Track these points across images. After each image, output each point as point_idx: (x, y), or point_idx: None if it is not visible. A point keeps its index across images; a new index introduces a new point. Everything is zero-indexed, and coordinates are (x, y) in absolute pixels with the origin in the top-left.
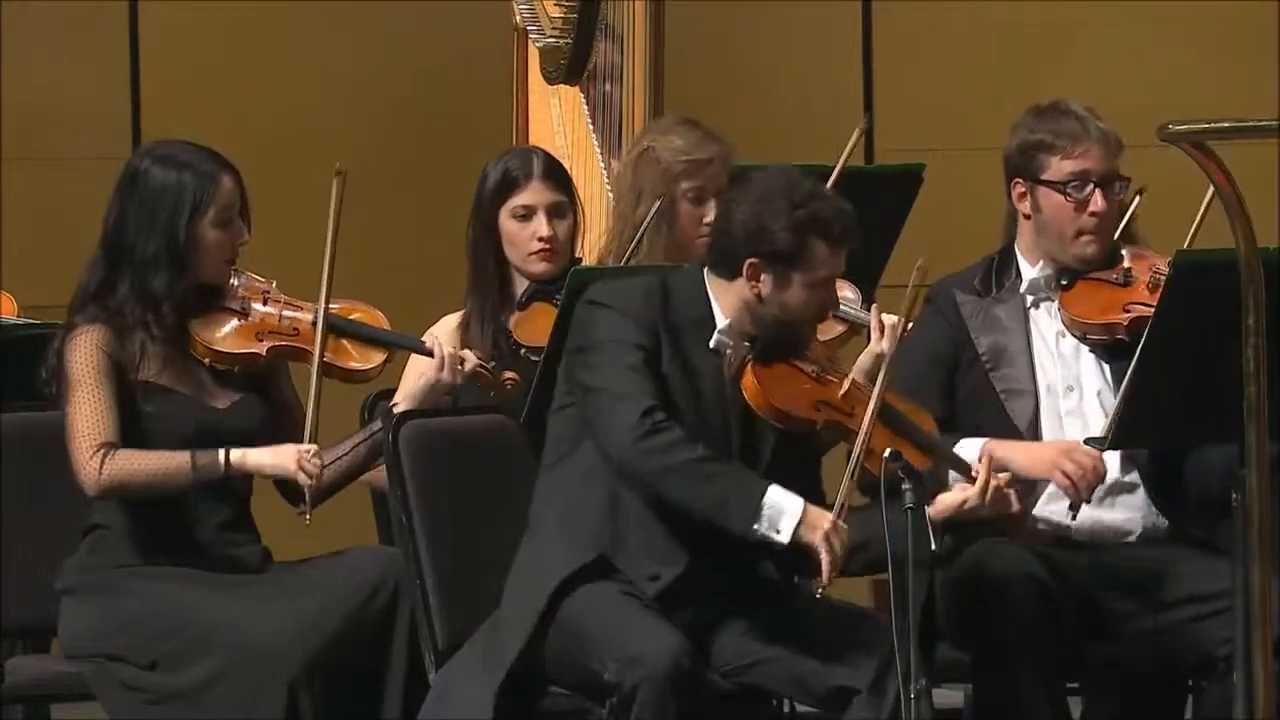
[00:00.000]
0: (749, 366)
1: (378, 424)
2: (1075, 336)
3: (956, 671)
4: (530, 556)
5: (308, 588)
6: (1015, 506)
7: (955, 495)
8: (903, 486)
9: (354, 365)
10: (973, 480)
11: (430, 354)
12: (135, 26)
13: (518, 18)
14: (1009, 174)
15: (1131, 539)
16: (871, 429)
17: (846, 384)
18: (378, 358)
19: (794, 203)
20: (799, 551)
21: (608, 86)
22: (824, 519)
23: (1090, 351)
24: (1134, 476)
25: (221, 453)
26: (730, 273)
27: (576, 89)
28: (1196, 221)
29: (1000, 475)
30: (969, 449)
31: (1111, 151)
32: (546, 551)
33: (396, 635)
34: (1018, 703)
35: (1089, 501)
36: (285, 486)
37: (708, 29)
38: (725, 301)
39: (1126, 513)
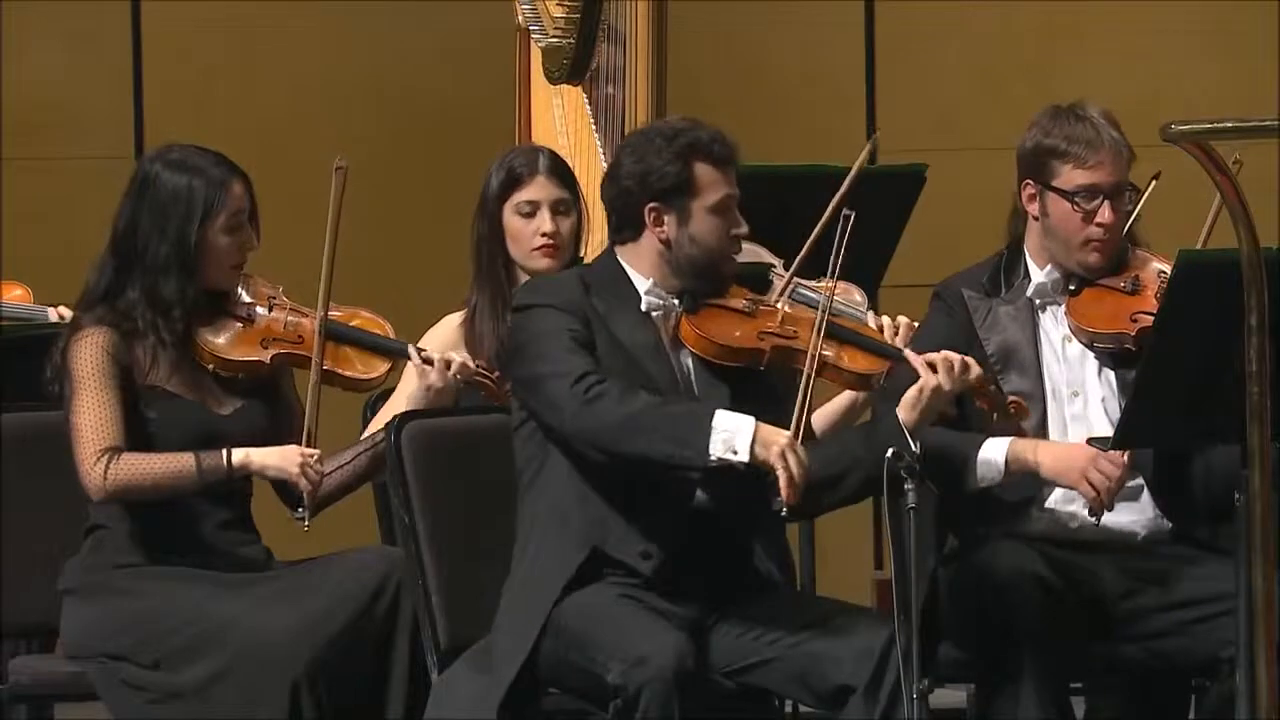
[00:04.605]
0: (684, 320)
1: (380, 434)
2: (1082, 343)
3: (959, 671)
4: (523, 570)
5: (310, 588)
6: (974, 373)
7: (911, 390)
8: (905, 486)
9: (354, 374)
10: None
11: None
12: (138, 26)
13: (520, 17)
14: (1020, 174)
15: (1136, 540)
16: (819, 345)
17: (780, 310)
18: (381, 367)
19: (668, 137)
20: (762, 476)
21: (610, 87)
22: (779, 435)
23: (1096, 358)
24: (1139, 479)
25: (225, 453)
26: (634, 230)
27: (579, 89)
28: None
29: (944, 355)
30: (995, 448)
31: (1123, 163)
32: (540, 560)
33: (399, 635)
34: (1021, 703)
35: (1111, 509)
36: (283, 490)
37: (710, 30)
38: (641, 265)
39: (1131, 515)
